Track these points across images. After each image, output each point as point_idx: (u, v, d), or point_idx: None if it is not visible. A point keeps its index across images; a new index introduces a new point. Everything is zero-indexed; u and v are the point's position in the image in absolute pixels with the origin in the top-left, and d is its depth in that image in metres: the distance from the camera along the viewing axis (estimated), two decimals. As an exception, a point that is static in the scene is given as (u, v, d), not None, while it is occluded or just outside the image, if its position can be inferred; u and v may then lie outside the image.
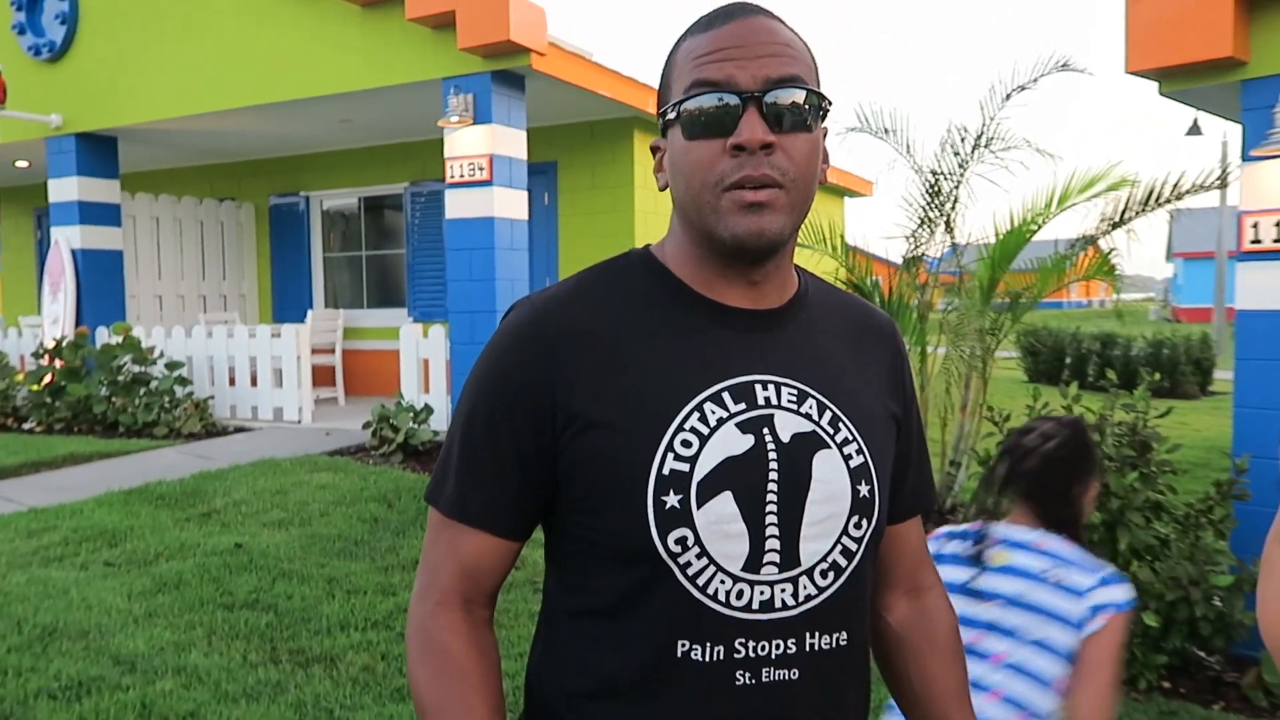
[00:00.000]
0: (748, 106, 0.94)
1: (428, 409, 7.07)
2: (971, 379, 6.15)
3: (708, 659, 0.96)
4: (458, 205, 6.80)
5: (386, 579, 4.56)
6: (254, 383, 8.76)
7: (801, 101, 0.96)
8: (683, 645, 0.96)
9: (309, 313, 9.73)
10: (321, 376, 9.75)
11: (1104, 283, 6.75)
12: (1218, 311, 20.73)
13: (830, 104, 0.98)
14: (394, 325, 9.32)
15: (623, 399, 0.97)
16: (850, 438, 1.02)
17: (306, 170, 10.45)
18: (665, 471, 0.95)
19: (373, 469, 6.44)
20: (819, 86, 0.98)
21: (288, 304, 10.72)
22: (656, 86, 1.06)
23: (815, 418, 1.01)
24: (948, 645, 1.19)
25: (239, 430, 8.35)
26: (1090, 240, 6.15)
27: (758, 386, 1.00)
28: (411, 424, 6.93)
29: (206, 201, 10.64)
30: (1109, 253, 6.28)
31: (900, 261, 6.60)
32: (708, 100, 0.95)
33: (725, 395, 0.98)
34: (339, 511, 5.48)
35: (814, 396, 1.02)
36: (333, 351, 9.75)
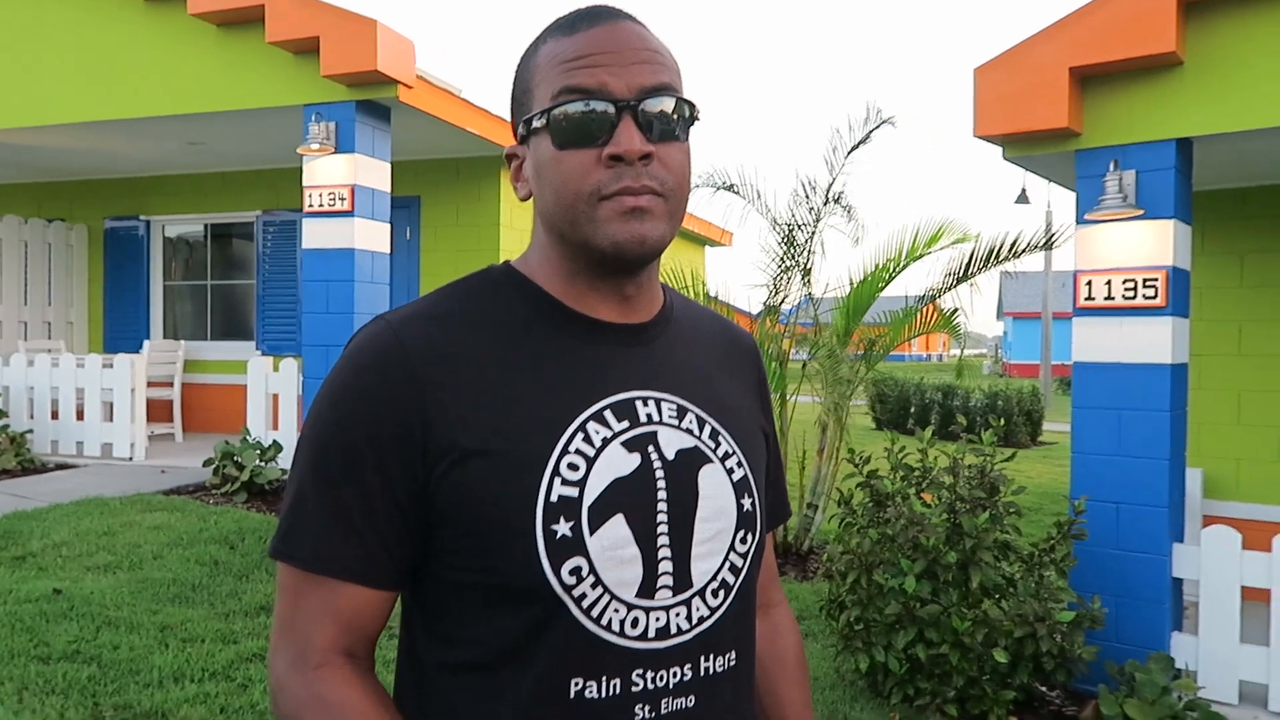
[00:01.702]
0: (623, 115, 0.90)
1: (276, 445, 6.72)
2: (829, 424, 6.33)
3: (605, 695, 0.90)
4: (316, 235, 6.55)
5: (227, 625, 4.25)
6: (80, 416, 8.11)
7: (674, 110, 0.93)
8: (576, 684, 0.90)
9: (146, 343, 9.13)
10: (157, 411, 9.15)
11: (945, 336, 7.13)
12: (1044, 367, 22.24)
13: (699, 114, 0.96)
14: (240, 358, 8.87)
15: (501, 424, 0.90)
16: (730, 451, 1.00)
17: (148, 193, 9.87)
18: (554, 498, 0.88)
19: (214, 509, 6.04)
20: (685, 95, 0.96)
21: (122, 333, 10.03)
22: (511, 90, 1.00)
23: (697, 432, 0.98)
24: (796, 663, 1.18)
25: (60, 467, 7.70)
26: (936, 294, 6.49)
27: (638, 403, 0.96)
28: (258, 462, 6.56)
29: (33, 221, 9.86)
30: (954, 311, 6.64)
31: (758, 311, 6.78)
32: (580, 108, 0.90)
33: (607, 413, 0.94)
34: (175, 554, 5.09)
35: (693, 411, 0.99)
36: (171, 385, 9.16)
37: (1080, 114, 4.42)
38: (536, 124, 0.93)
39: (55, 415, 8.16)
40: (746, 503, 0.99)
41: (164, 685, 3.64)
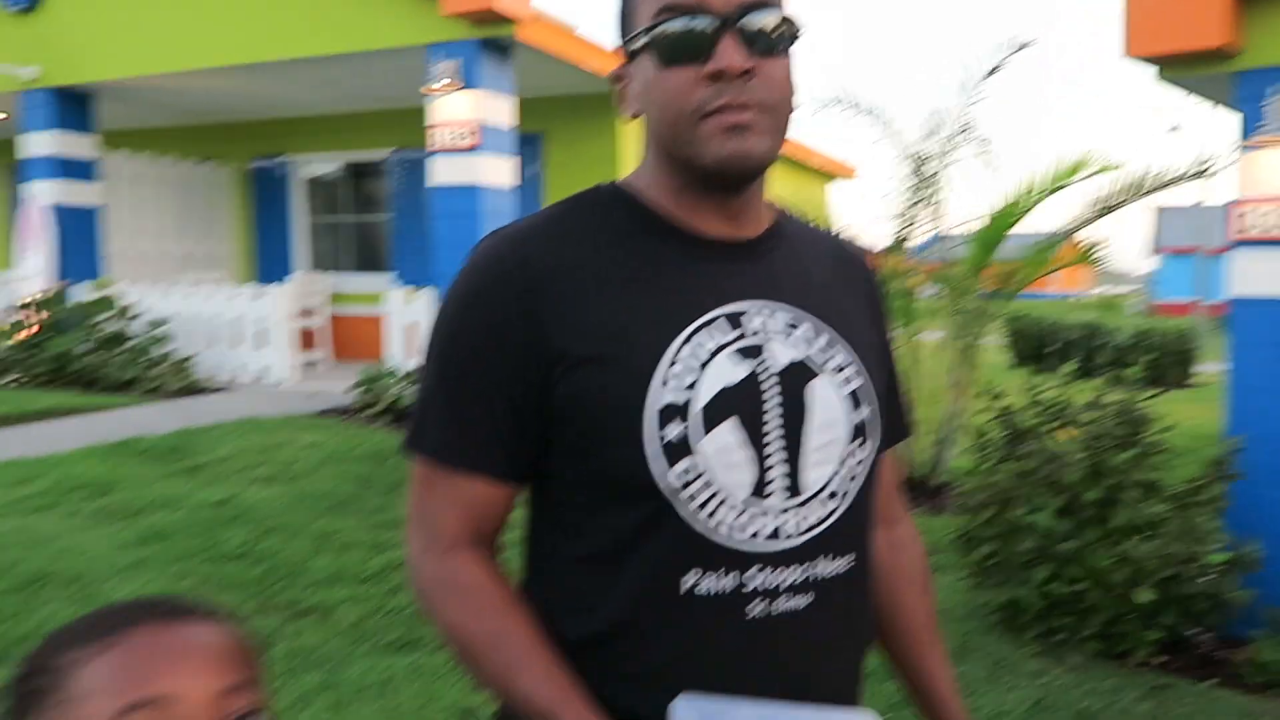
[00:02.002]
0: (724, 31, 0.90)
1: (413, 373, 7.04)
2: (960, 360, 6.21)
3: (716, 592, 0.93)
4: (442, 172, 6.74)
5: (377, 536, 4.54)
6: (236, 345, 8.66)
7: (775, 26, 0.92)
8: (688, 581, 0.93)
9: (292, 275, 9.63)
10: (305, 340, 9.67)
11: (1086, 273, 6.84)
12: (1199, 305, 21.01)
13: (801, 30, 0.94)
14: (378, 290, 9.25)
15: (612, 333, 0.93)
16: (847, 360, 1.00)
17: (290, 134, 10.30)
18: (664, 403, 0.92)
19: (360, 430, 6.40)
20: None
21: (270, 267, 10.60)
22: (618, 10, 0.99)
23: (811, 342, 0.99)
24: (919, 577, 1.19)
25: (220, 390, 8.26)
26: (1076, 228, 6.22)
27: (749, 314, 0.97)
28: (398, 387, 6.90)
29: (187, 162, 10.47)
30: (1095, 245, 6.36)
31: (886, 247, 6.64)
32: (680, 25, 0.91)
33: (717, 323, 0.95)
34: (327, 470, 5.45)
35: (809, 320, 1.00)
36: (317, 315, 9.66)
37: (1243, 31, 4.13)
38: (639, 43, 0.94)
39: (214, 343, 8.73)
40: (861, 413, 1.00)
41: (324, 586, 3.93)
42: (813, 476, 0.96)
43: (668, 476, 0.91)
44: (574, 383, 0.93)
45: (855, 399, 1.00)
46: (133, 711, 0.62)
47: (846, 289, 1.09)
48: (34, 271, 8.88)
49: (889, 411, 1.09)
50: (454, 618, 0.95)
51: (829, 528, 0.97)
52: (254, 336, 8.56)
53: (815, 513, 0.96)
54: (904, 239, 6.50)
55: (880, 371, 1.07)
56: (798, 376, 0.96)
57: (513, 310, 0.94)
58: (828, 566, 0.98)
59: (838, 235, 1.16)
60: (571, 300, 0.94)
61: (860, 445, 1.00)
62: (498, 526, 1.00)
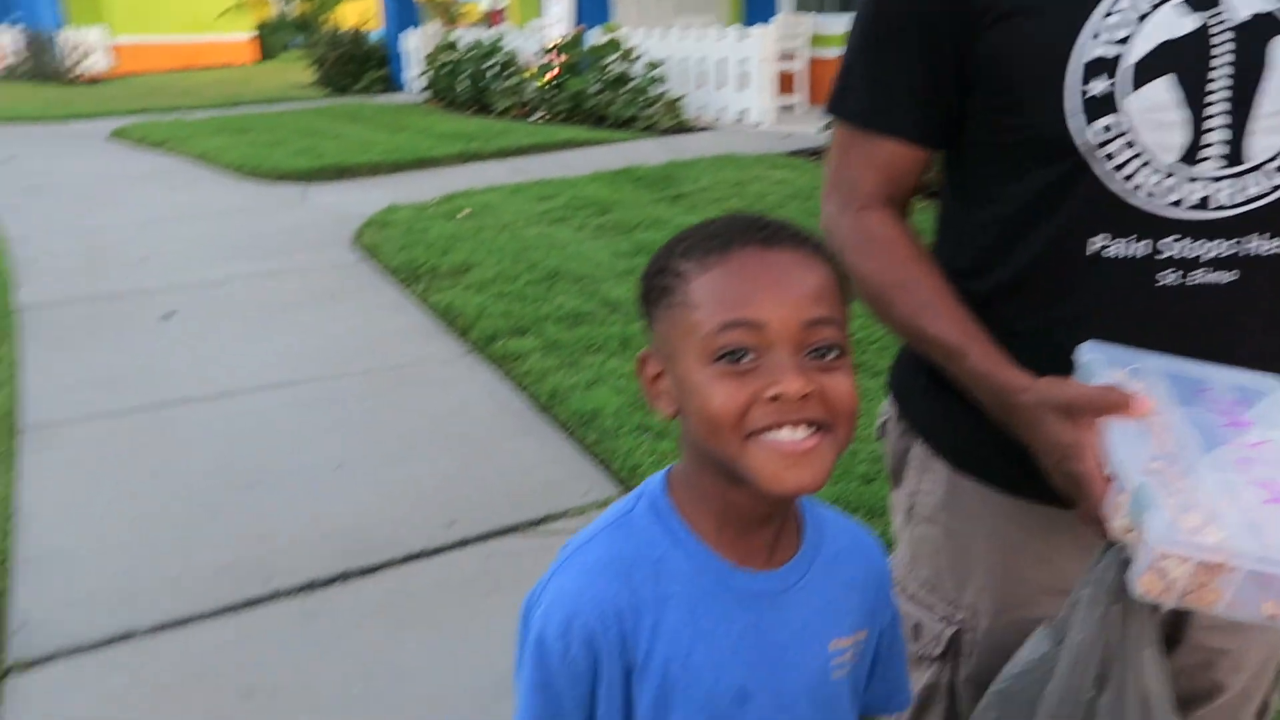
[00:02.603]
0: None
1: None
2: None
3: (1126, 256, 0.91)
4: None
5: (831, 269, 4.77)
6: (720, 86, 9.13)
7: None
8: (1095, 243, 0.91)
9: (775, 16, 9.72)
10: (784, 84, 9.87)
11: None
12: None
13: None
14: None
15: None
16: None
17: None
18: (1092, 56, 0.86)
19: (826, 171, 6.58)
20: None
21: (755, 8, 10.76)
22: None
23: None
24: None
25: (704, 129, 8.87)
26: None
27: None
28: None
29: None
30: None
31: None
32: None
33: None
34: (793, 204, 5.74)
35: None
36: (797, 59, 9.74)
37: None
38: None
39: (702, 84, 9.29)
40: None
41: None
42: (1260, 145, 0.88)
43: (1085, 133, 0.89)
44: (998, 36, 0.91)
45: None
46: (730, 329, 0.71)
47: None
48: (557, 18, 10.00)
49: None
50: (869, 267, 1.00)
51: (1270, 203, 0.90)
52: (736, 79, 8.93)
53: (1258, 185, 0.89)
54: None
55: None
56: (1260, 31, 0.86)
57: None
58: (1263, 245, 0.91)
59: None
60: None
61: None
62: (911, 188, 1.05)
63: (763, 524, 0.82)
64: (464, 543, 2.59)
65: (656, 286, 0.79)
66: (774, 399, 0.72)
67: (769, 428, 0.72)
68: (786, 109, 9.71)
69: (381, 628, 2.26)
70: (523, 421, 3.30)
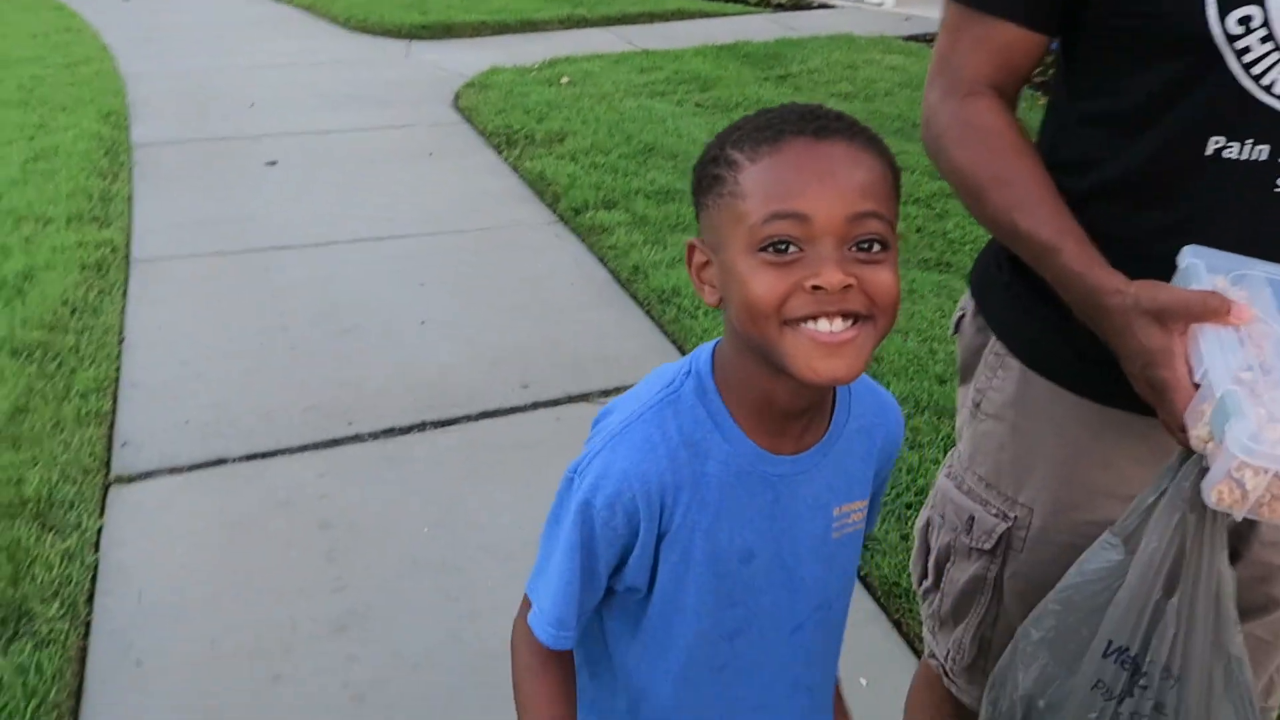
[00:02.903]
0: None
1: None
2: None
3: (1246, 158, 0.87)
4: None
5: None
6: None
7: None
8: (1216, 142, 0.87)
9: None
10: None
11: None
12: None
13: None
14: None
15: None
16: None
17: None
18: None
19: (944, 59, 6.26)
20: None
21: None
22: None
23: None
24: None
25: (822, 6, 8.47)
26: None
27: None
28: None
29: None
30: None
31: None
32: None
33: None
34: (904, 93, 5.50)
35: None
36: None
37: None
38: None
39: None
40: None
41: (875, 199, 4.18)
42: None
43: (1220, 23, 0.84)
44: None
45: None
46: (775, 220, 0.73)
47: None
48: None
49: None
50: (966, 156, 0.98)
51: None
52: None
53: None
54: None
55: None
56: None
57: None
58: None
59: None
60: None
61: None
62: (1021, 77, 1.00)
63: (798, 416, 0.85)
64: (536, 405, 2.67)
65: (709, 175, 0.79)
66: (814, 289, 0.73)
67: (807, 318, 0.74)
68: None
69: (453, 478, 2.37)
70: (603, 293, 3.34)
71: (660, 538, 0.86)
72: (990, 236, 1.07)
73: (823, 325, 0.74)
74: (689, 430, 0.84)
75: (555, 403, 2.69)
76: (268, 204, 4.04)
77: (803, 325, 0.74)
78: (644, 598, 0.89)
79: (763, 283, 0.74)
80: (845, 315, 0.74)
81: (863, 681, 1.88)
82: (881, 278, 0.74)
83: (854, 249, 0.74)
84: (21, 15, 7.97)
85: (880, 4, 8.34)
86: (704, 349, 0.88)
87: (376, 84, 5.90)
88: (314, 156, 4.63)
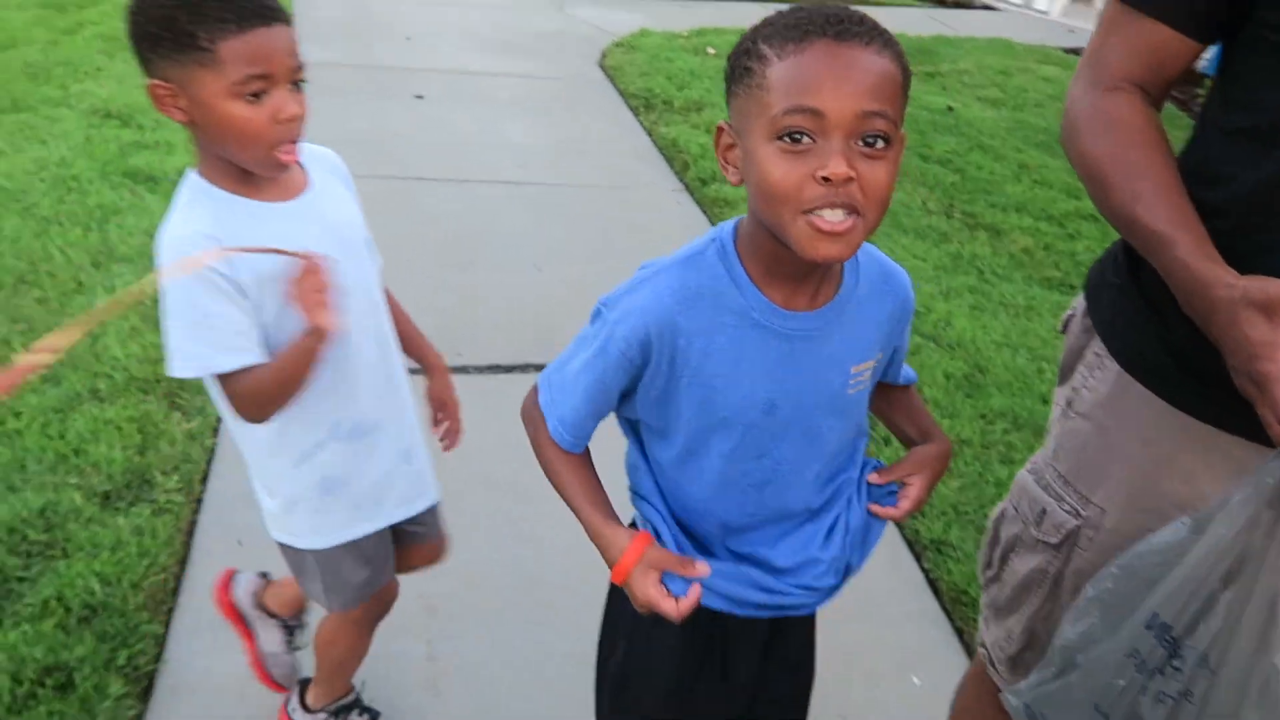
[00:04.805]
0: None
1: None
2: None
3: None
4: None
5: (1077, 183, 4.45)
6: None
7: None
8: None
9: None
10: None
11: None
12: None
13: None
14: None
15: None
16: None
17: None
18: None
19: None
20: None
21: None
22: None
23: None
24: None
25: (985, 8, 8.22)
26: None
27: None
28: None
29: None
30: None
31: None
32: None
33: None
34: (1054, 106, 5.32)
35: None
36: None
37: None
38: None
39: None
40: None
41: (1006, 210, 4.08)
42: None
43: None
44: None
45: None
46: (794, 113, 0.83)
47: None
48: None
49: None
50: (1097, 146, 0.99)
51: None
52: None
53: None
54: None
55: None
56: None
57: None
58: None
59: None
60: None
61: None
62: (1167, 80, 1.01)
63: (805, 277, 0.97)
64: (636, 364, 2.73)
65: (740, 66, 0.89)
66: (823, 180, 0.83)
67: (818, 207, 0.85)
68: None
69: (547, 420, 2.46)
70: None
71: (677, 379, 0.99)
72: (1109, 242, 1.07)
73: (827, 214, 0.85)
74: (708, 284, 0.97)
75: (654, 364, 2.75)
76: (413, 135, 4.19)
77: (812, 214, 0.85)
78: (671, 441, 1.04)
79: (778, 168, 0.85)
80: (846, 208, 0.84)
81: (916, 681, 1.90)
82: (877, 174, 0.85)
83: (860, 144, 0.84)
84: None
85: (1046, 12, 8.03)
86: (729, 222, 1.02)
87: (528, 33, 6.02)
88: (459, 95, 4.77)
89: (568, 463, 1.10)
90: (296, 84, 1.13)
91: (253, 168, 1.14)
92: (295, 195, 1.22)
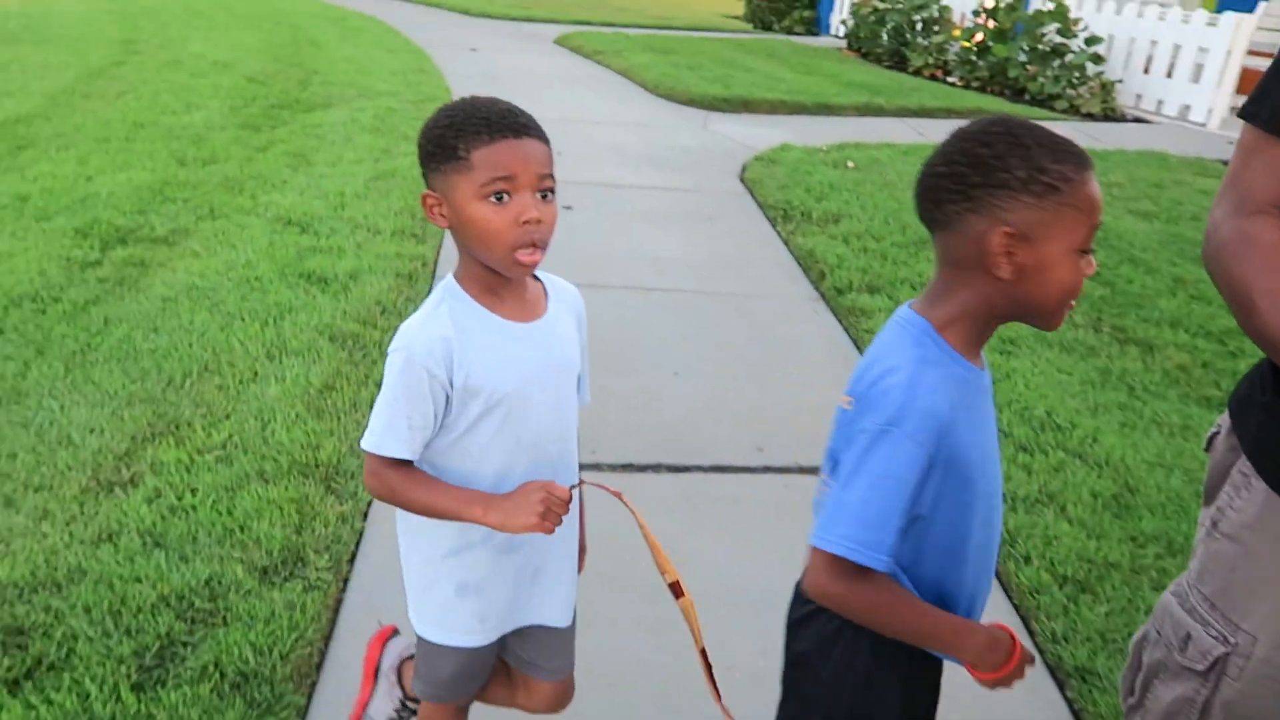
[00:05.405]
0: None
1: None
2: None
3: None
4: None
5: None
6: (1169, 74, 8.20)
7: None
8: None
9: (1261, 4, 8.48)
10: (1245, 82, 8.66)
11: None
12: None
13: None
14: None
15: None
16: None
17: None
18: None
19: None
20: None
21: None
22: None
23: None
24: None
25: (1137, 120, 8.06)
26: None
27: None
28: None
29: None
30: None
31: None
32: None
33: None
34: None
35: None
36: (1267, 56, 8.48)
37: None
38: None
39: (1147, 70, 8.39)
40: None
41: (1159, 325, 3.93)
42: None
43: None
44: None
45: None
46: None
47: None
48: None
49: None
50: (1243, 270, 1.01)
51: None
52: (1190, 69, 7.97)
53: None
54: None
55: None
56: None
57: None
58: None
59: None
60: None
61: None
62: None
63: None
64: (768, 469, 2.75)
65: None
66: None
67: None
68: (1243, 112, 8.55)
69: (676, 520, 2.49)
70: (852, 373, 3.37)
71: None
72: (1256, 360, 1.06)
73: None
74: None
75: (786, 470, 2.76)
76: (558, 243, 4.40)
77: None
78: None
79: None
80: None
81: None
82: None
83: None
84: (387, 56, 9.20)
85: (1203, 124, 7.81)
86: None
87: (673, 149, 6.29)
88: (605, 206, 5.01)
89: (893, 590, 1.13)
90: (545, 194, 1.22)
91: (497, 267, 1.24)
92: (531, 319, 1.32)
